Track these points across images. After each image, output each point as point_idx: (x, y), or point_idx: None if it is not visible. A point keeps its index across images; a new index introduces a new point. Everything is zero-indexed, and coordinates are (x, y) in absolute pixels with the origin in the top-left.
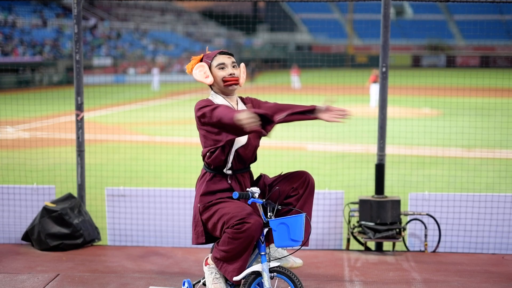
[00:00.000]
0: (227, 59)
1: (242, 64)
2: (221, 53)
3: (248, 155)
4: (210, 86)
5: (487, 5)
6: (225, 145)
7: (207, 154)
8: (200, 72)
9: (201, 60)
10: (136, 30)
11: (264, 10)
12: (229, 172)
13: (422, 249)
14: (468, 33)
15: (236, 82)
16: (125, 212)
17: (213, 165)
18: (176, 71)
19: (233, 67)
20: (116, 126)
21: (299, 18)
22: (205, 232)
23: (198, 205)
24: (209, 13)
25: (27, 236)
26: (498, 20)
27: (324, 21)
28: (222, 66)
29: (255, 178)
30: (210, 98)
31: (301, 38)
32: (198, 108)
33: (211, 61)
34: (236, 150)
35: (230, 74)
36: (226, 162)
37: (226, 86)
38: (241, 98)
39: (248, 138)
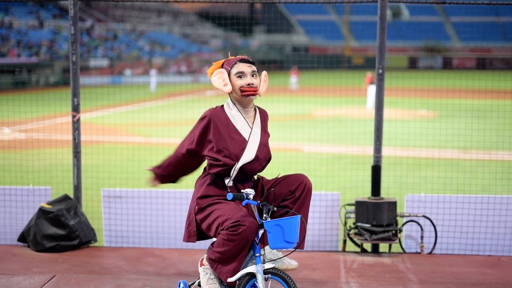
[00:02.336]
0: (247, 68)
1: (264, 72)
2: (242, 60)
3: (254, 171)
4: (229, 93)
5: (483, 7)
6: (227, 160)
7: (208, 164)
8: (219, 79)
9: (221, 66)
10: (133, 31)
11: (260, 11)
12: (230, 184)
13: (418, 250)
14: (464, 35)
15: (254, 92)
16: (121, 213)
17: (213, 172)
18: (173, 72)
19: (253, 76)
20: (112, 127)
21: (296, 19)
22: (197, 231)
23: (196, 207)
24: (206, 15)
25: (23, 237)
26: (494, 22)
27: (320, 22)
28: (240, 75)
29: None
30: (225, 105)
31: (297, 39)
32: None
33: (231, 68)
34: (241, 166)
35: (249, 84)
36: (229, 176)
37: (243, 96)
38: (259, 109)
39: (256, 155)
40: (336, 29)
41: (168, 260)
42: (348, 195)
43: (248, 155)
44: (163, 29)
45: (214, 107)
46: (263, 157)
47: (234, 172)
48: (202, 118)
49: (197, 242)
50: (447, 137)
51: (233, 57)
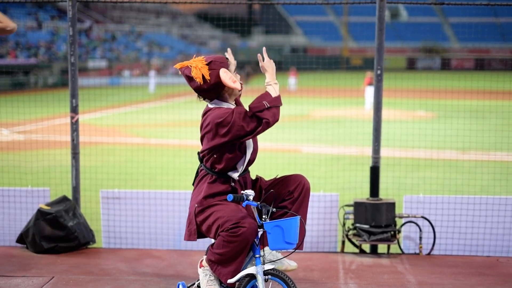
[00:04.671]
0: (233, 66)
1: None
2: (226, 58)
3: (254, 159)
4: (214, 93)
5: (482, 8)
6: (239, 153)
7: (215, 160)
8: (230, 78)
9: (207, 65)
10: (131, 33)
11: (259, 12)
12: (237, 177)
13: (417, 251)
14: (463, 35)
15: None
16: (119, 214)
17: (219, 169)
18: (171, 74)
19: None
20: (111, 128)
21: (294, 20)
22: (198, 229)
23: (196, 205)
24: (204, 16)
25: (21, 239)
26: (492, 23)
27: (319, 23)
28: (235, 73)
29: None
30: (213, 105)
31: (296, 40)
32: (233, 121)
33: (229, 67)
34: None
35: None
36: (236, 168)
37: (240, 90)
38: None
39: (254, 142)
40: (335, 30)
41: (166, 261)
42: (347, 196)
43: (250, 145)
44: (162, 30)
45: (212, 109)
46: (257, 145)
47: (243, 166)
48: (224, 115)
49: (196, 243)
50: (445, 138)
51: (207, 56)
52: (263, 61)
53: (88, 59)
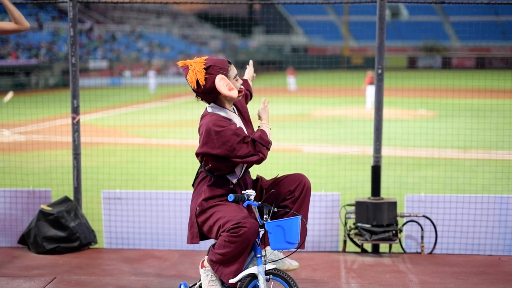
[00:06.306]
0: (235, 69)
1: None
2: (230, 62)
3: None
4: (210, 96)
5: (482, 7)
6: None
7: (212, 166)
8: (226, 86)
9: (205, 69)
10: (132, 33)
11: (259, 12)
12: (235, 181)
13: (419, 250)
14: (463, 34)
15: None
16: (121, 215)
17: (217, 173)
18: (172, 74)
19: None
20: (112, 129)
21: (295, 20)
22: (200, 231)
23: (197, 208)
24: (205, 16)
25: (23, 240)
26: (493, 21)
27: (319, 23)
28: (237, 77)
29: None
30: (210, 109)
31: (296, 40)
32: (224, 142)
33: (228, 72)
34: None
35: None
36: (234, 172)
37: (239, 96)
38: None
39: None
40: (335, 30)
41: (168, 261)
42: (348, 196)
43: None
44: (162, 30)
45: (208, 115)
46: None
47: (242, 170)
48: (221, 128)
49: (199, 242)
50: (446, 137)
51: (206, 57)
52: (264, 106)
53: (89, 60)
